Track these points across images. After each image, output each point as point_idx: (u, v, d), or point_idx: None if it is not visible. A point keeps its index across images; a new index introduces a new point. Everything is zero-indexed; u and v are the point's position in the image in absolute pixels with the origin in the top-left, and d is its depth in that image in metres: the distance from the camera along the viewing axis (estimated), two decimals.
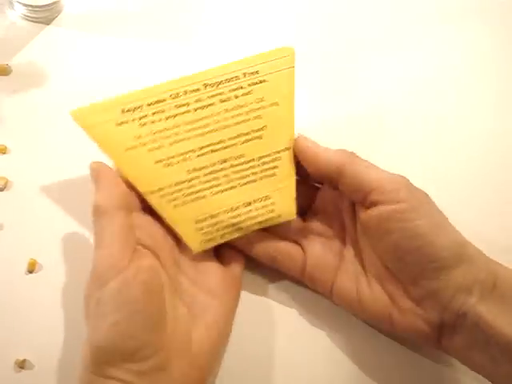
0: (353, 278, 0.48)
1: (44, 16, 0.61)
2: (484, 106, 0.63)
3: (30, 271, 0.50)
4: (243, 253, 0.51)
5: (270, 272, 0.51)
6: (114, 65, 0.60)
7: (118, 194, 0.44)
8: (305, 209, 0.51)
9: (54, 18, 0.61)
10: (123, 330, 0.39)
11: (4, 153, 0.54)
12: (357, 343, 0.50)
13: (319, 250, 0.49)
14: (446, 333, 0.43)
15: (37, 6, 0.59)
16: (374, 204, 0.44)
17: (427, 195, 0.45)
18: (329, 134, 0.56)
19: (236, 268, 0.50)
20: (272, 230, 0.50)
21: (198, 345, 0.44)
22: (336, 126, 0.60)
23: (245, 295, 0.51)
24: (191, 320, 0.45)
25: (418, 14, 0.68)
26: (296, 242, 0.50)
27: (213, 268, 0.49)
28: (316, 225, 0.50)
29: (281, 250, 0.50)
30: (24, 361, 0.47)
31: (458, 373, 0.48)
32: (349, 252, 0.49)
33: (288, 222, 0.50)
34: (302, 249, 0.50)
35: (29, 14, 0.60)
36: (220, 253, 0.50)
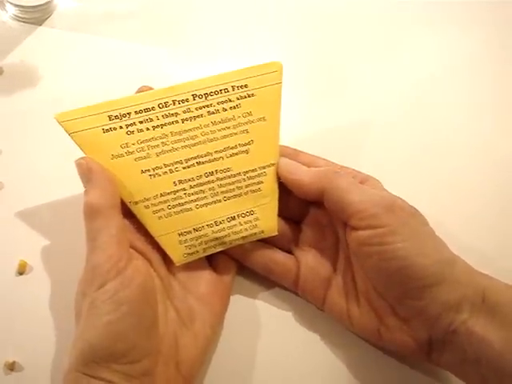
0: (343, 292, 0.48)
1: (36, 17, 0.60)
2: (476, 112, 0.64)
3: (21, 273, 0.50)
4: (236, 261, 0.50)
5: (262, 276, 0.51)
6: (106, 66, 0.60)
7: (112, 192, 0.44)
8: (300, 218, 0.51)
9: (45, 19, 0.61)
10: (117, 330, 0.39)
11: None
12: (350, 347, 0.50)
13: (312, 262, 0.49)
14: (436, 349, 0.43)
15: (28, 7, 0.59)
16: (354, 228, 0.44)
17: (414, 213, 0.45)
18: (320, 142, 0.57)
19: (228, 276, 0.50)
20: (267, 240, 0.49)
21: (185, 352, 0.44)
22: (327, 135, 0.60)
23: (238, 298, 0.51)
24: (180, 326, 0.45)
25: (406, 22, 0.68)
26: (290, 252, 0.50)
27: (204, 274, 0.49)
28: (310, 236, 0.50)
29: (275, 260, 0.49)
30: (13, 363, 0.47)
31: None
32: (341, 265, 0.48)
33: (283, 232, 0.50)
34: (296, 260, 0.49)
35: (20, 15, 0.60)
36: (213, 259, 0.50)
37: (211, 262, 0.50)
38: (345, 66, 0.65)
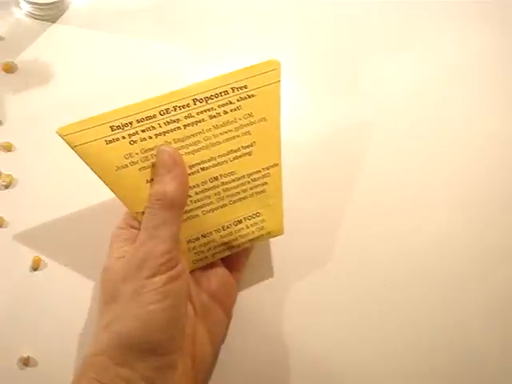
0: None
1: (49, 14, 0.60)
2: (491, 108, 0.62)
3: (35, 268, 0.52)
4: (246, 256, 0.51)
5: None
6: (119, 63, 0.59)
7: (186, 193, 0.45)
8: None
9: (59, 16, 0.61)
10: (159, 320, 0.40)
11: (9, 150, 0.55)
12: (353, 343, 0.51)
13: None
14: None
15: (42, 4, 0.59)
16: None
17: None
18: (330, 139, 0.57)
19: (239, 272, 0.51)
20: None
21: (200, 347, 0.46)
22: (337, 132, 0.59)
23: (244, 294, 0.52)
24: (196, 322, 0.46)
25: (417, 19, 0.66)
26: None
27: (216, 271, 0.49)
28: None
29: None
30: (28, 358, 0.49)
31: None
32: None
33: None
34: None
35: (34, 12, 0.60)
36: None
37: (223, 258, 0.50)
38: (356, 62, 0.63)
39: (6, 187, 0.54)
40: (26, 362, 0.48)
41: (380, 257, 0.54)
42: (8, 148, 0.55)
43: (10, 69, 0.57)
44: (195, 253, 0.47)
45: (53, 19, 0.60)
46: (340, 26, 0.63)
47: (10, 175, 0.54)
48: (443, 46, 0.64)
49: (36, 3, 0.59)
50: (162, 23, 0.61)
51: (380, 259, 0.54)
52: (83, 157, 0.44)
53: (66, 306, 0.51)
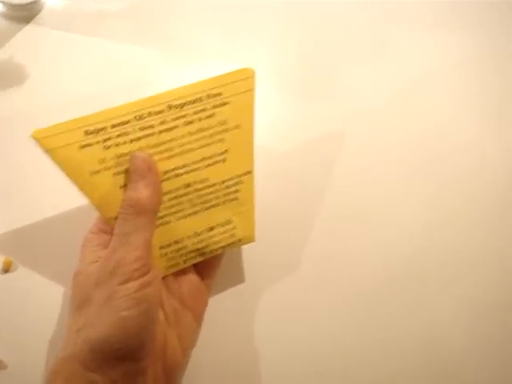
0: None
1: (24, 15, 0.60)
2: (464, 116, 0.63)
3: (5, 271, 0.51)
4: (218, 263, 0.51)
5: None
6: (94, 66, 0.59)
7: (159, 199, 0.45)
8: None
9: (33, 17, 0.61)
10: (132, 326, 0.40)
11: None
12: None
13: None
14: None
15: (16, 5, 0.59)
16: None
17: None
18: (306, 148, 0.56)
19: (210, 279, 0.51)
20: None
21: (171, 352, 0.45)
22: (313, 141, 0.59)
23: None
24: (167, 327, 0.46)
25: (395, 23, 0.67)
26: None
27: (188, 277, 0.49)
28: None
29: None
30: None
31: None
32: None
33: None
34: None
35: (8, 13, 0.60)
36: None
37: (195, 264, 0.50)
38: (330, 70, 0.64)
39: None
40: None
41: (350, 265, 0.55)
42: None
43: None
44: (167, 259, 0.47)
45: (27, 20, 0.60)
46: (314, 34, 0.64)
47: None
48: (417, 54, 0.65)
49: (10, 4, 0.59)
50: (139, 26, 0.61)
51: (350, 267, 0.55)
52: (56, 161, 0.44)
53: (36, 309, 0.50)
